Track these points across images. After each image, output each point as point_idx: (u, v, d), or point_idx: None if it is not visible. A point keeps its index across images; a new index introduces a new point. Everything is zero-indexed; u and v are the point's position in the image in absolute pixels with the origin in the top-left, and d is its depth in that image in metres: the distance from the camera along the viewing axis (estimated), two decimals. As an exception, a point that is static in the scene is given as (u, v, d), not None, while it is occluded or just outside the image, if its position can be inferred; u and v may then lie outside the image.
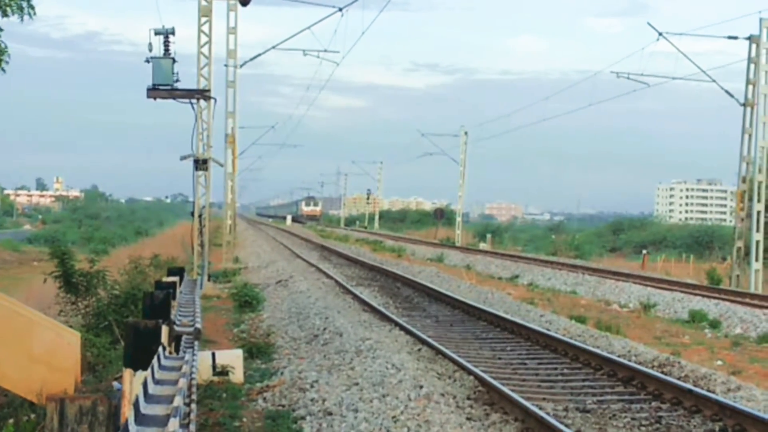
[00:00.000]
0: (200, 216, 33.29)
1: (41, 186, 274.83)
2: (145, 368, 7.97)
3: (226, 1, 40.60)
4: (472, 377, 15.06)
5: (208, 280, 32.68)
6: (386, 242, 73.11)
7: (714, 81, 41.47)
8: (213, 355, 15.69)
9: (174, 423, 5.69)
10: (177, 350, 11.39)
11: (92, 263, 23.25)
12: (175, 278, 17.33)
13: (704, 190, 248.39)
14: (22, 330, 14.02)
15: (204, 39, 34.64)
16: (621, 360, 16.41)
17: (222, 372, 15.32)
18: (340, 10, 38.73)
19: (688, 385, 14.03)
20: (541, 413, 11.97)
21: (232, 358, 15.75)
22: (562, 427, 11.19)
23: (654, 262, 61.93)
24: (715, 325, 25.81)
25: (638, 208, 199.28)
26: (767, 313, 26.81)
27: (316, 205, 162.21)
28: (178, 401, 6.62)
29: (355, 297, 28.25)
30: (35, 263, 51.41)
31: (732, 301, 30.04)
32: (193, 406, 8.26)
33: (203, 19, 34.73)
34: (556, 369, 16.67)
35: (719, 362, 19.04)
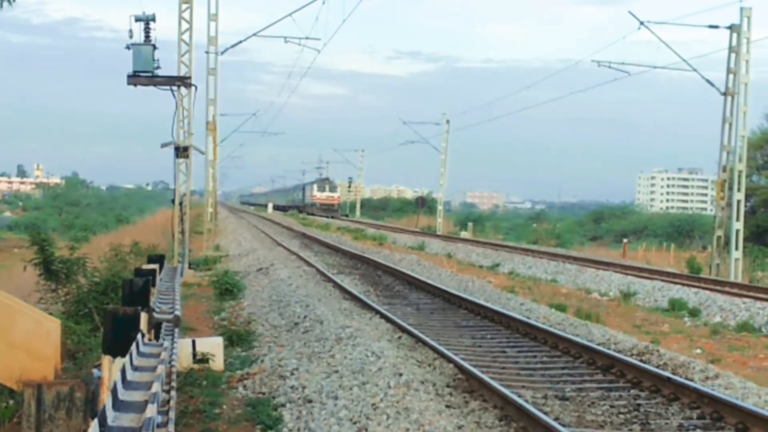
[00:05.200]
0: (181, 203, 33.23)
1: (22, 173, 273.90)
2: (123, 355, 7.98)
3: (208, -13, 40.51)
4: (451, 365, 15.09)
5: (189, 267, 32.61)
6: (367, 230, 73.10)
7: (695, 70, 41.59)
8: (193, 342, 15.69)
9: (152, 409, 5.70)
10: (157, 337, 11.39)
11: (72, 250, 23.17)
12: (155, 266, 17.29)
13: (685, 180, 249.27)
14: (1, 317, 13.99)
15: (185, 26, 34.55)
16: (600, 348, 16.46)
17: (202, 359, 15.32)
18: (322, -4, 38.73)
19: (667, 373, 14.10)
20: (520, 401, 12.01)
21: (213, 346, 15.75)
22: (540, 414, 11.23)
23: (634, 250, 62.16)
24: (694, 313, 25.94)
25: (619, 197, 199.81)
26: (746, 302, 26.95)
27: (333, 189, 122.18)
28: (156, 387, 6.63)
29: (336, 285, 28.27)
30: (15, 250, 51.16)
31: (712, 290, 30.18)
32: (173, 393, 8.27)
33: (184, 6, 34.63)
34: (535, 357, 16.73)
35: (698, 350, 19.15)
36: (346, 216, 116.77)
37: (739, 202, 40.80)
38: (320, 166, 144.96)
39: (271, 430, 11.60)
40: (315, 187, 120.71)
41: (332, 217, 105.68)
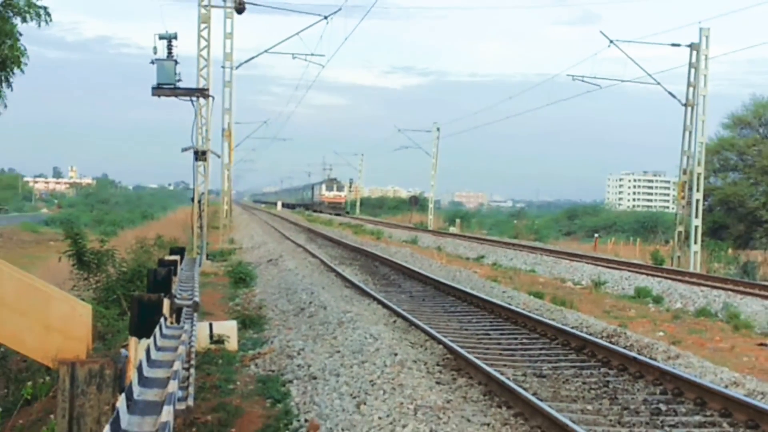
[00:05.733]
0: (200, 202, 33.24)
1: (57, 174, 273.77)
2: (148, 336, 7.97)
3: (224, 9, 40.48)
4: (441, 346, 15.09)
5: (207, 258, 32.63)
6: (366, 226, 73.04)
7: (659, 83, 41.63)
8: (210, 325, 15.68)
9: (173, 384, 5.69)
10: (178, 321, 11.38)
11: (102, 243, 23.20)
12: (177, 257, 17.27)
13: (650, 181, 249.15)
14: (39, 303, 13.99)
15: (203, 43, 34.54)
16: (574, 331, 16.47)
17: (218, 341, 15.33)
18: (326, 18, 38.77)
19: (633, 354, 14.10)
20: (502, 378, 12.01)
21: (228, 329, 15.75)
22: (520, 390, 11.23)
23: (604, 244, 62.19)
24: (658, 300, 25.96)
25: (591, 196, 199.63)
26: (704, 290, 26.97)
27: (340, 189, 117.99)
28: (177, 365, 6.62)
29: (338, 274, 28.25)
30: (51, 243, 51.13)
31: (673, 279, 30.19)
32: (192, 370, 8.25)
33: (203, 26, 34.63)
34: (516, 339, 16.72)
35: (661, 333, 19.16)
36: (348, 213, 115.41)
37: (698, 201, 40.87)
38: (328, 168, 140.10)
39: (279, 404, 11.59)
40: (323, 186, 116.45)
41: (338, 215, 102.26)
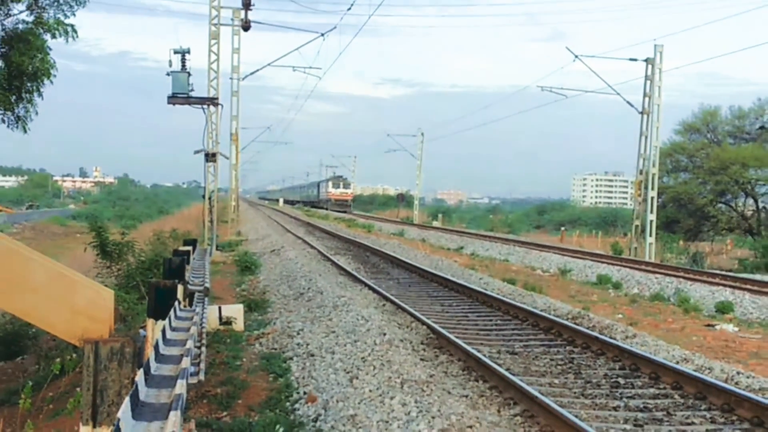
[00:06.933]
0: (210, 198, 33.21)
1: (83, 174, 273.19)
2: (164, 318, 7.96)
3: (232, 27, 40.44)
4: (425, 327, 15.09)
5: (216, 249, 32.58)
6: (359, 220, 73.01)
7: (618, 94, 41.72)
8: (219, 308, 15.66)
9: (186, 361, 5.69)
10: (190, 304, 11.36)
11: (123, 235, 23.15)
12: (189, 248, 17.27)
13: (610, 180, 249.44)
14: (67, 288, 13.96)
15: (213, 57, 34.49)
16: (542, 313, 16.49)
17: (227, 322, 15.31)
18: (322, 35, 38.82)
19: (595, 333, 14.13)
20: (479, 354, 12.02)
21: (235, 311, 15.74)
22: (495, 365, 11.24)
23: (570, 236, 62.31)
24: (617, 286, 26.02)
25: (558, 194, 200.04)
26: (658, 277, 27.06)
27: (346, 186, 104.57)
28: (190, 344, 6.61)
29: (333, 263, 28.23)
30: (78, 235, 51.05)
31: (631, 268, 30.28)
32: (203, 348, 8.26)
33: (213, 42, 34.59)
34: (491, 320, 16.73)
35: (620, 315, 19.20)
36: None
37: (652, 198, 40.96)
38: (332, 166, 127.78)
39: (281, 378, 11.58)
40: (330, 183, 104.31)
41: (344, 212, 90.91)
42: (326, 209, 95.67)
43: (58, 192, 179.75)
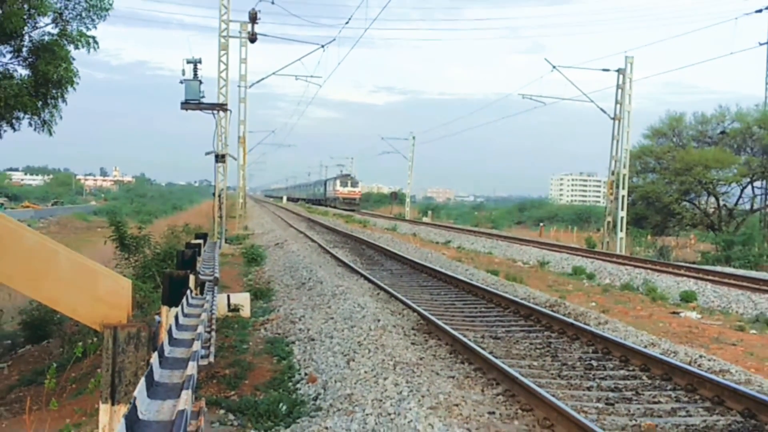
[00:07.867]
0: (219, 196, 33.18)
1: (103, 173, 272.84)
2: (177, 305, 7.94)
3: (239, 39, 40.36)
4: (415, 314, 15.09)
5: (225, 242, 32.56)
6: (355, 216, 72.97)
7: (592, 101, 41.74)
8: (228, 296, 15.67)
9: (197, 344, 5.68)
10: (201, 293, 11.35)
11: (140, 230, 23.16)
12: (201, 241, 17.25)
13: (584, 180, 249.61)
14: (89, 278, 13.93)
15: (223, 66, 34.42)
16: (523, 301, 16.50)
17: (235, 309, 15.31)
18: (322, 46, 38.73)
19: (571, 320, 14.14)
20: (465, 339, 12.03)
21: (242, 299, 15.73)
22: (479, 349, 11.25)
23: (548, 231, 62.34)
24: (591, 277, 26.04)
25: (537, 192, 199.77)
26: (628, 268, 27.09)
27: (354, 185, 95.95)
28: (200, 329, 6.60)
29: (332, 256, 28.22)
30: (99, 230, 50.93)
31: (603, 260, 30.32)
32: (213, 333, 8.24)
33: (222, 52, 34.52)
34: (476, 308, 16.73)
35: (593, 304, 19.21)
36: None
37: (623, 196, 41.05)
38: (340, 165, 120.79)
39: (284, 361, 11.58)
40: (338, 182, 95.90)
41: (352, 211, 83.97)
42: (334, 207, 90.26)
43: (81, 190, 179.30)
